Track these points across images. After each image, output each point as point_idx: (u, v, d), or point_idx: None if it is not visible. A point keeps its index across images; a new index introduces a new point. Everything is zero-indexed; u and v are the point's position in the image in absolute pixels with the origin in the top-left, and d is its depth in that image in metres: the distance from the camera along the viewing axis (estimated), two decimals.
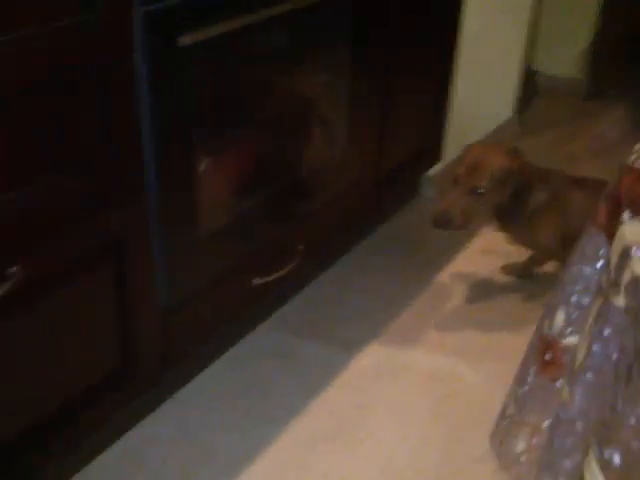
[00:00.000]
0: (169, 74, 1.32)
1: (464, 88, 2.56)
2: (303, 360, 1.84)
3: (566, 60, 3.57)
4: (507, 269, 2.21)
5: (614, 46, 3.42)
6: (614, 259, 0.88)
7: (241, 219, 1.69)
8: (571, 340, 1.04)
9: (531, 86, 3.33)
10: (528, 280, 2.19)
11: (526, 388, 1.14)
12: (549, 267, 2.19)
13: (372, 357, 1.87)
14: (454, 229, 1.84)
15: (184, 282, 1.55)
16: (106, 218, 1.29)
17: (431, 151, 2.46)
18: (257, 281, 1.76)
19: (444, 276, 2.19)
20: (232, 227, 1.66)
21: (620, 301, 0.88)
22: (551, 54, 3.52)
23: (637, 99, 3.43)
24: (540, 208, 1.89)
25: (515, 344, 1.89)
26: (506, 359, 1.86)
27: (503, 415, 1.24)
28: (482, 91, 2.80)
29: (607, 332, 0.91)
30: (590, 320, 0.92)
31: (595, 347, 0.91)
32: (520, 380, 1.17)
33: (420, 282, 2.16)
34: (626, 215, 0.90)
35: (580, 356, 0.93)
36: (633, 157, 1.00)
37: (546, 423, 1.07)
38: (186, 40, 1.29)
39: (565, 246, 1.87)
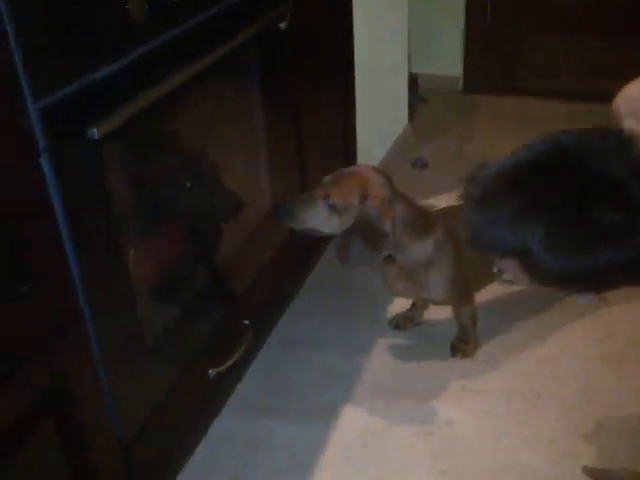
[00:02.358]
0: (83, 173, 1.11)
1: (360, 108, 2.46)
2: (278, 445, 1.64)
3: (440, 58, 3.56)
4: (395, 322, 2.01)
5: (484, 38, 3.44)
6: None
7: (183, 314, 1.49)
8: None
9: (414, 91, 3.28)
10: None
11: None
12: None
13: (352, 422, 1.70)
14: (293, 225, 1.63)
15: (139, 403, 1.33)
16: (43, 363, 1.06)
17: None
18: (213, 371, 1.56)
19: (390, 314, 2.04)
20: (175, 325, 1.46)
21: None
22: (425, 55, 3.49)
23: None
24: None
25: (488, 376, 1.81)
26: (485, 392, 1.76)
27: None
28: (377, 107, 2.71)
29: None
30: None
31: None
32: None
33: (369, 324, 2.01)
34: None
35: None
36: None
37: None
38: (96, 131, 1.07)
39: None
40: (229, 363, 1.59)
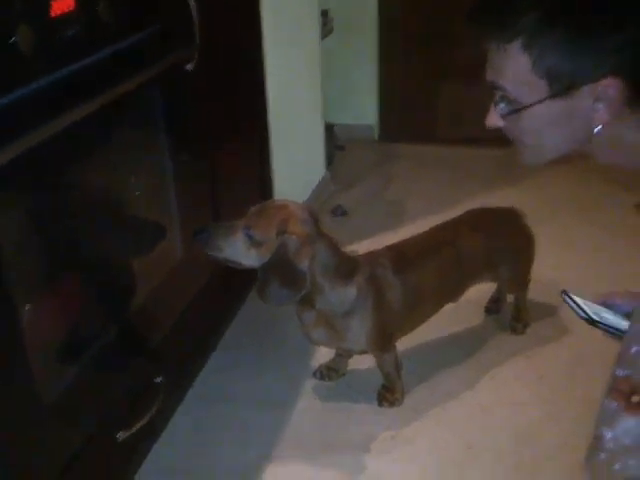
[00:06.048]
0: None
1: (277, 156, 2.42)
2: None
3: (356, 109, 3.59)
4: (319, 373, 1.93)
5: (398, 89, 3.50)
6: None
7: (85, 373, 1.37)
8: None
9: (331, 140, 3.28)
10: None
11: None
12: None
13: None
14: (211, 251, 1.55)
15: (37, 473, 1.19)
16: None
17: None
18: (122, 435, 1.43)
19: (314, 365, 1.95)
20: (76, 386, 1.33)
21: None
22: (341, 105, 3.51)
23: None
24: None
25: (418, 425, 1.73)
26: (415, 442, 1.69)
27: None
28: (294, 155, 2.68)
29: None
30: None
31: None
32: None
33: (292, 376, 1.92)
34: None
35: None
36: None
37: None
38: None
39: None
40: (140, 424, 1.46)
